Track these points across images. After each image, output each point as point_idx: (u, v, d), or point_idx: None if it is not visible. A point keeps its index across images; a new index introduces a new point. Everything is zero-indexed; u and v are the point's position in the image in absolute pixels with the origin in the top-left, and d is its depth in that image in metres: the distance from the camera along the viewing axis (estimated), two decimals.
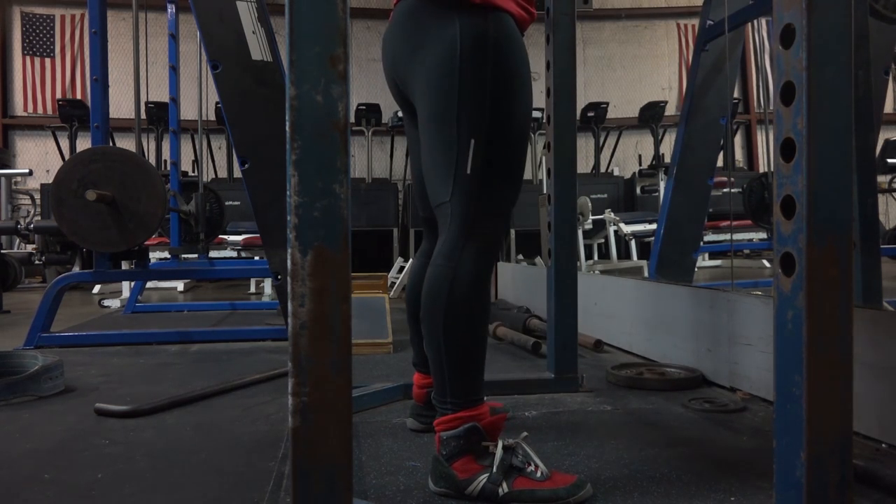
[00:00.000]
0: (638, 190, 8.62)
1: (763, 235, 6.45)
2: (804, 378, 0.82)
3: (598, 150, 9.29)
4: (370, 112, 8.60)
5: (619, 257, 6.75)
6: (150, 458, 1.58)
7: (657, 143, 9.03)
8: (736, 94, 10.40)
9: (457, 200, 1.36)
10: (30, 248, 6.43)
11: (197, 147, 7.83)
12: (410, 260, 6.11)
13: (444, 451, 1.33)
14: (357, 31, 10.38)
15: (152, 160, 8.33)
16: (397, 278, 5.85)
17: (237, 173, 8.03)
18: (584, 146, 9.47)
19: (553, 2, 2.11)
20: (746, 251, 7.93)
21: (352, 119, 8.18)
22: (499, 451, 1.33)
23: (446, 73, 1.35)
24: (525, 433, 1.39)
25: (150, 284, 6.34)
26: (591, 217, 6.11)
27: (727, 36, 3.09)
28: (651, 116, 9.20)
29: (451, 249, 1.36)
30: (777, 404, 0.86)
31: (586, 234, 6.37)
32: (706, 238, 6.25)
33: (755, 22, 9.91)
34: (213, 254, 6.19)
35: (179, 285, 6.49)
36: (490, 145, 1.36)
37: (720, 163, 5.05)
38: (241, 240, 6.31)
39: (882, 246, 3.70)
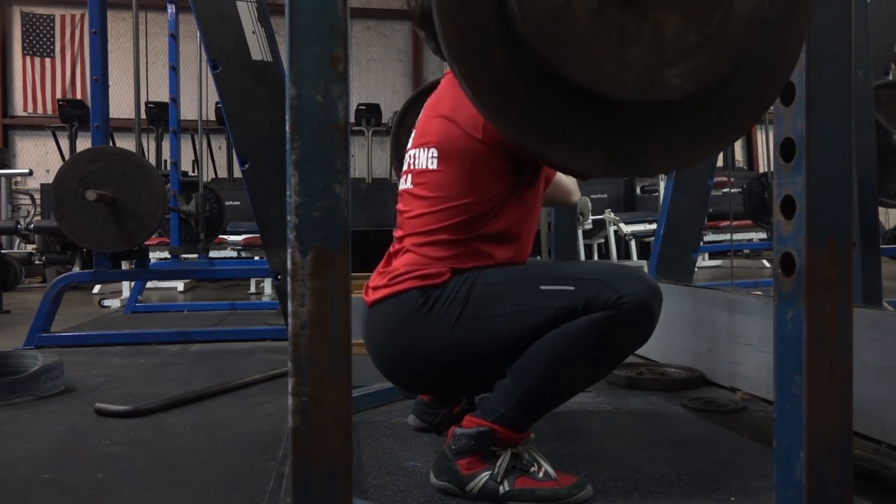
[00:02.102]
0: (638, 190, 8.62)
1: (763, 235, 6.45)
2: (804, 378, 0.82)
3: None
4: (370, 112, 8.61)
5: (619, 257, 6.75)
6: (151, 458, 1.58)
7: None
8: None
9: (598, 301, 1.27)
10: (30, 248, 6.44)
11: (197, 147, 7.83)
12: None
13: (453, 446, 1.33)
14: (357, 31, 10.39)
15: (152, 160, 8.33)
16: None
17: (237, 173, 8.03)
18: None
19: None
20: (746, 251, 7.93)
21: (352, 119, 8.18)
22: (507, 456, 1.33)
23: (476, 331, 1.33)
24: (532, 435, 1.39)
25: (150, 284, 6.34)
26: (591, 217, 6.11)
27: None
28: None
29: (602, 320, 1.28)
30: (777, 404, 0.86)
31: (586, 234, 6.37)
32: (706, 238, 6.25)
33: None
34: (213, 254, 6.19)
35: (179, 285, 6.48)
36: (548, 278, 1.33)
37: (720, 163, 5.06)
38: (241, 240, 6.31)
39: (882, 246, 3.69)
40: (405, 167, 1.52)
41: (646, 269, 3.97)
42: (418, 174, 1.45)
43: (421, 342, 1.37)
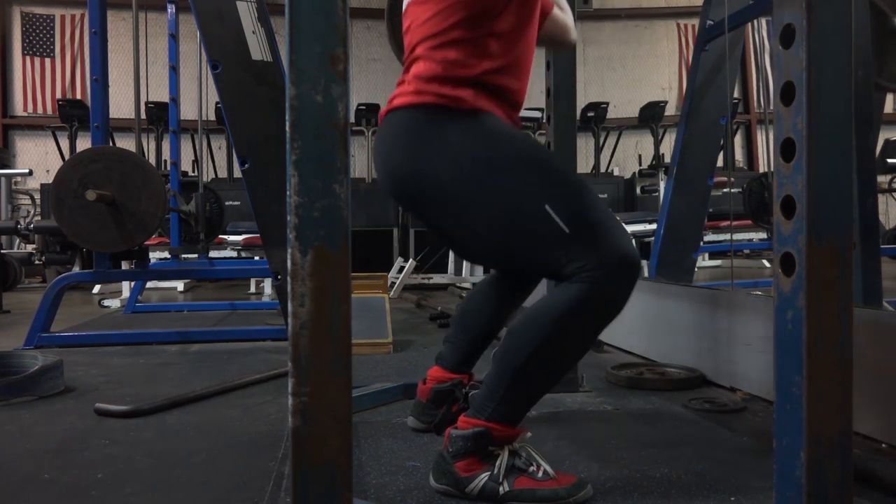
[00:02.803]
0: (638, 190, 8.62)
1: (763, 235, 6.45)
2: (804, 378, 0.82)
3: (598, 150, 9.29)
4: (370, 112, 8.60)
5: None
6: (151, 458, 1.58)
7: (657, 143, 9.03)
8: (736, 94, 10.40)
9: (578, 260, 1.27)
10: (30, 248, 6.43)
11: (197, 147, 7.83)
12: (410, 260, 6.11)
13: (450, 449, 1.33)
14: (357, 31, 10.39)
15: (152, 160, 8.33)
16: (397, 278, 5.85)
17: (237, 173, 8.03)
18: (584, 146, 9.47)
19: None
20: (746, 251, 7.93)
21: (352, 119, 8.18)
22: (504, 455, 1.32)
23: (476, 180, 1.33)
24: (529, 433, 1.39)
25: (150, 284, 6.34)
26: None
27: (727, 36, 3.09)
28: (651, 116, 9.20)
29: (579, 294, 1.27)
30: (777, 404, 0.86)
31: None
32: (706, 238, 6.24)
33: (755, 22, 9.91)
34: (213, 254, 6.19)
35: (179, 285, 6.49)
36: (561, 202, 1.31)
37: (720, 163, 5.05)
38: (241, 240, 6.31)
39: (882, 246, 3.69)
40: None
41: (646, 270, 3.97)
42: None
43: (429, 161, 1.37)
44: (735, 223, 6.57)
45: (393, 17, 1.78)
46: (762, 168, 9.61)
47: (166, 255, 5.91)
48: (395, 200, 1.52)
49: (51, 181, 3.27)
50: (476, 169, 1.34)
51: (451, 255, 6.31)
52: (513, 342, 1.32)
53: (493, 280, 1.75)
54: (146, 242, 3.27)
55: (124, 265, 3.60)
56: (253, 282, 6.36)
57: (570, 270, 1.28)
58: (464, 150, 1.35)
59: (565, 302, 1.28)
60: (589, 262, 1.26)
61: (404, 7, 1.55)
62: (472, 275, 6.05)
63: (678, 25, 10.97)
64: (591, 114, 9.00)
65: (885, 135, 7.29)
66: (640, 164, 9.53)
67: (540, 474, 1.31)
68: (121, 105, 8.53)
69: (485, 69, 1.40)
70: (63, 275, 3.44)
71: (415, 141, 1.39)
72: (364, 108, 8.54)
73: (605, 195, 8.40)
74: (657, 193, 7.55)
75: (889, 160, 6.95)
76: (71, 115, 8.33)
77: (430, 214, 1.45)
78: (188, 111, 6.81)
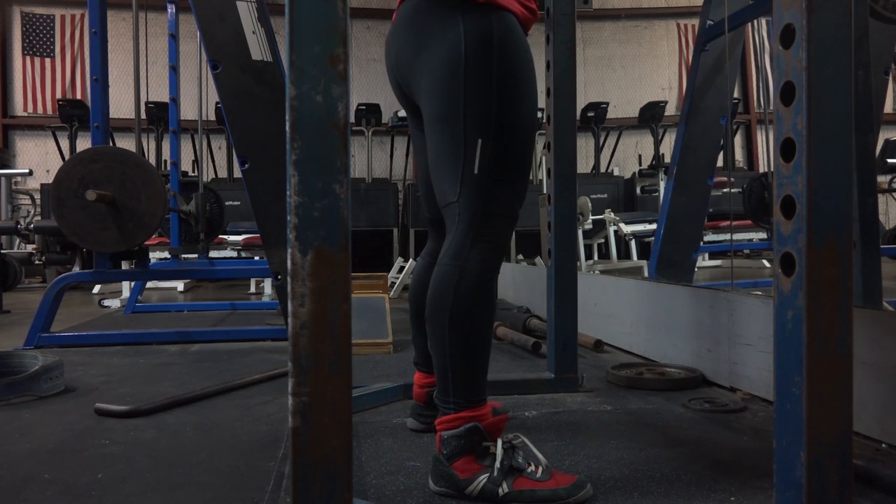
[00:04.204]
0: (638, 190, 8.62)
1: (763, 235, 6.45)
2: (804, 378, 0.82)
3: (598, 150, 9.29)
4: (370, 112, 8.60)
5: (619, 257, 6.75)
6: (151, 458, 1.58)
7: (657, 143, 9.03)
8: (736, 94, 10.41)
9: (464, 200, 1.36)
10: (30, 248, 6.43)
11: (197, 147, 7.84)
12: (410, 260, 6.11)
13: (444, 451, 1.33)
14: (357, 31, 10.39)
15: (152, 160, 8.33)
16: (397, 278, 5.85)
17: (237, 173, 8.03)
18: (584, 146, 9.48)
19: (553, 2, 2.11)
20: (746, 251, 7.93)
21: (352, 119, 8.19)
22: (499, 451, 1.32)
23: (452, 74, 1.36)
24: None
25: (150, 284, 6.34)
26: (591, 217, 6.11)
27: (727, 36, 3.09)
28: (651, 116, 9.21)
29: (457, 249, 1.37)
30: (777, 404, 0.86)
31: (586, 234, 6.37)
32: (706, 238, 6.25)
33: (755, 22, 9.92)
34: (213, 254, 6.19)
35: (179, 285, 6.49)
36: (497, 145, 1.36)
37: (720, 163, 5.06)
38: (241, 240, 6.31)
39: (882, 246, 3.69)
40: None
41: (646, 270, 3.97)
42: None
43: (430, 46, 1.39)
44: (735, 223, 6.57)
45: None
46: (762, 168, 9.61)
47: (166, 255, 5.91)
48: (395, 87, 1.56)
49: (51, 181, 3.27)
50: (461, 65, 1.35)
51: None
52: (432, 326, 1.37)
53: (425, 264, 1.73)
54: (146, 242, 3.27)
55: (124, 265, 3.60)
56: (253, 282, 6.37)
57: (450, 209, 1.37)
58: (461, 42, 1.36)
59: (450, 264, 1.36)
60: (469, 209, 1.36)
61: None
62: None
63: (678, 25, 10.97)
64: (591, 114, 9.00)
65: (885, 135, 7.29)
66: (640, 164, 9.54)
67: (539, 474, 1.31)
68: (121, 105, 8.54)
69: None
70: (63, 275, 3.44)
71: (423, 25, 1.41)
72: (364, 108, 8.54)
73: (605, 195, 8.40)
74: (657, 193, 7.56)
75: (889, 160, 6.96)
76: (71, 115, 8.33)
77: (413, 96, 1.49)
78: (188, 111, 6.81)
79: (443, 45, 1.37)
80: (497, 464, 1.31)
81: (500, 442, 1.34)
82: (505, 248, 1.41)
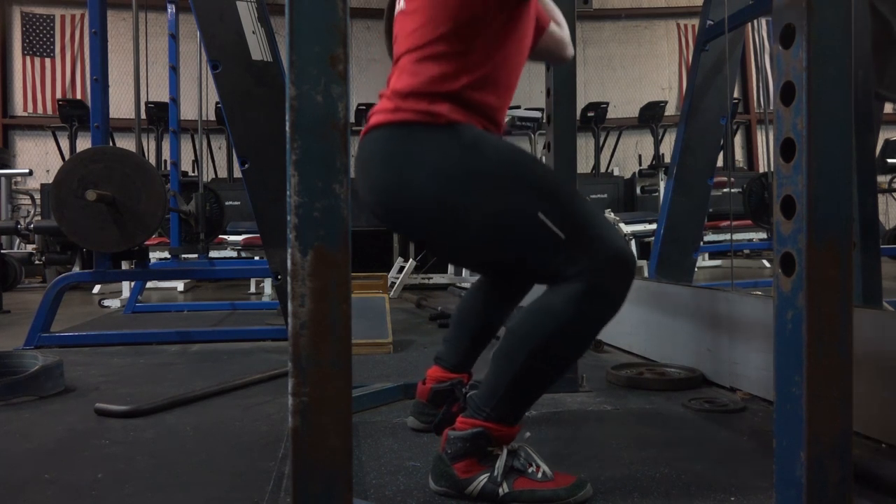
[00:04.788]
0: (638, 190, 8.62)
1: (763, 235, 6.45)
2: (804, 378, 0.82)
3: (598, 150, 9.29)
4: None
5: None
6: (151, 458, 1.58)
7: (657, 143, 9.03)
8: (736, 94, 10.40)
9: (578, 264, 1.27)
10: (30, 248, 6.44)
11: (197, 147, 7.83)
12: (410, 260, 6.11)
13: (448, 450, 1.33)
14: (357, 31, 10.39)
15: (152, 160, 8.33)
16: (397, 278, 5.85)
17: (237, 173, 8.03)
18: (584, 146, 9.48)
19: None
20: (746, 251, 7.93)
21: (352, 119, 8.19)
22: (503, 456, 1.32)
23: (464, 194, 1.32)
24: (528, 434, 1.39)
25: (150, 284, 6.34)
26: None
27: (727, 36, 3.09)
28: (651, 116, 9.21)
29: (579, 293, 1.27)
30: (777, 404, 0.86)
31: None
32: (706, 238, 6.25)
33: (755, 22, 9.91)
34: (213, 254, 6.19)
35: (179, 285, 6.49)
36: (554, 207, 1.31)
37: (720, 163, 5.05)
38: (241, 240, 6.32)
39: (882, 246, 3.69)
40: None
41: (646, 270, 3.97)
42: None
43: (411, 180, 1.35)
44: (735, 223, 6.57)
45: (390, 17, 1.78)
46: (762, 168, 9.61)
47: (166, 255, 5.91)
48: (378, 218, 1.48)
49: (51, 181, 3.27)
50: (460, 183, 1.32)
51: None
52: (512, 342, 1.32)
53: (485, 289, 1.75)
54: (146, 242, 3.27)
55: (124, 265, 3.60)
56: (253, 282, 6.37)
57: (569, 273, 1.28)
58: (445, 165, 1.33)
59: (564, 301, 1.28)
60: (587, 264, 1.27)
61: (395, 15, 1.54)
62: (472, 275, 6.04)
63: (678, 25, 10.97)
64: (591, 114, 9.00)
65: (885, 135, 7.29)
66: (640, 164, 9.54)
67: (539, 475, 1.31)
68: (121, 105, 8.54)
69: (464, 84, 1.38)
70: (63, 275, 3.44)
71: (395, 157, 1.37)
72: (364, 108, 8.54)
73: (605, 195, 8.40)
74: (657, 193, 7.55)
75: (889, 160, 6.96)
76: (71, 115, 8.33)
77: (416, 229, 1.45)
78: (188, 111, 6.81)
79: (432, 176, 1.33)
80: (499, 465, 1.31)
81: (505, 448, 1.33)
82: (620, 303, 1.32)
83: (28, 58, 9.98)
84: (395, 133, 1.38)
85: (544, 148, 2.24)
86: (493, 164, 1.34)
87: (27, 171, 7.43)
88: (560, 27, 1.69)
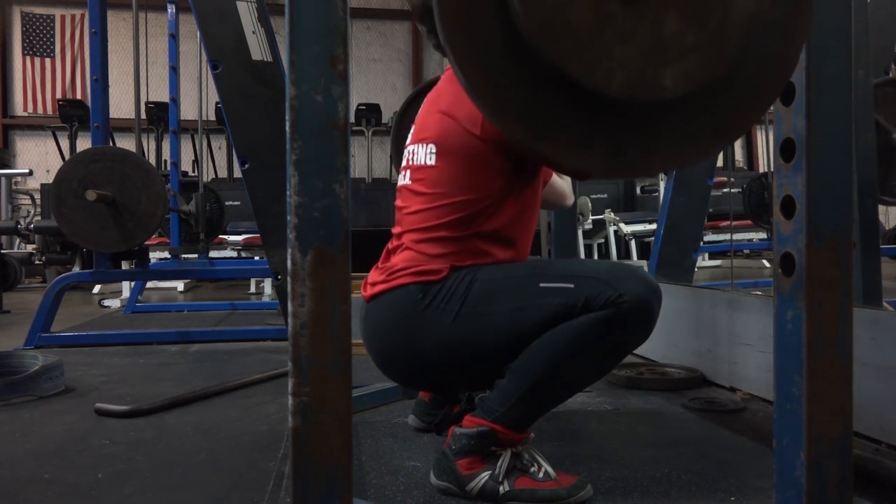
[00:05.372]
0: (638, 190, 8.61)
1: (763, 235, 6.44)
2: (804, 378, 0.82)
3: None
4: (370, 112, 8.61)
5: (619, 257, 6.74)
6: (151, 458, 1.58)
7: None
8: None
9: (597, 300, 1.27)
10: (30, 248, 6.43)
11: (197, 147, 7.83)
12: None
13: (453, 446, 1.33)
14: (357, 31, 10.39)
15: (152, 160, 8.33)
16: None
17: (237, 173, 8.03)
18: None
19: None
20: (746, 251, 7.93)
21: (352, 119, 8.19)
22: (507, 456, 1.32)
23: (472, 329, 1.33)
24: (532, 434, 1.39)
25: (150, 284, 6.34)
26: (591, 217, 6.11)
27: None
28: None
29: (602, 319, 1.27)
30: (777, 404, 0.86)
31: (586, 234, 6.37)
32: (706, 238, 6.24)
33: None
34: (213, 254, 6.19)
35: (179, 285, 6.48)
36: (551, 276, 1.32)
37: (720, 163, 5.06)
38: (241, 240, 6.31)
39: (882, 246, 3.69)
40: (404, 163, 1.52)
41: (646, 269, 3.97)
42: (417, 170, 1.45)
43: (419, 338, 1.37)
44: (735, 223, 6.57)
45: (400, 130, 1.78)
46: (762, 168, 9.61)
47: (166, 255, 5.91)
48: (393, 378, 1.54)
49: (51, 181, 3.27)
50: (467, 319, 1.33)
51: None
52: (533, 355, 1.31)
53: None
54: (146, 242, 3.27)
55: (124, 265, 3.60)
56: (253, 282, 6.36)
57: (597, 307, 1.27)
58: (448, 315, 1.33)
59: (588, 323, 1.27)
60: (612, 293, 1.27)
61: (398, 185, 1.53)
62: None
63: None
64: None
65: None
66: None
67: (541, 475, 1.31)
68: (121, 105, 8.53)
69: (470, 265, 1.38)
70: (63, 275, 3.44)
71: (399, 322, 1.39)
72: (364, 108, 8.55)
73: (605, 195, 8.39)
74: (657, 193, 7.55)
75: None
76: (71, 115, 8.33)
77: (438, 378, 1.47)
78: (188, 111, 6.81)
79: (434, 332, 1.35)
80: (501, 463, 1.31)
81: (509, 450, 1.33)
82: (647, 331, 1.34)
83: (28, 58, 9.98)
84: (396, 297, 1.39)
85: None
86: (487, 286, 1.34)
87: (27, 171, 7.43)
88: (562, 178, 1.69)
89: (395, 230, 1.51)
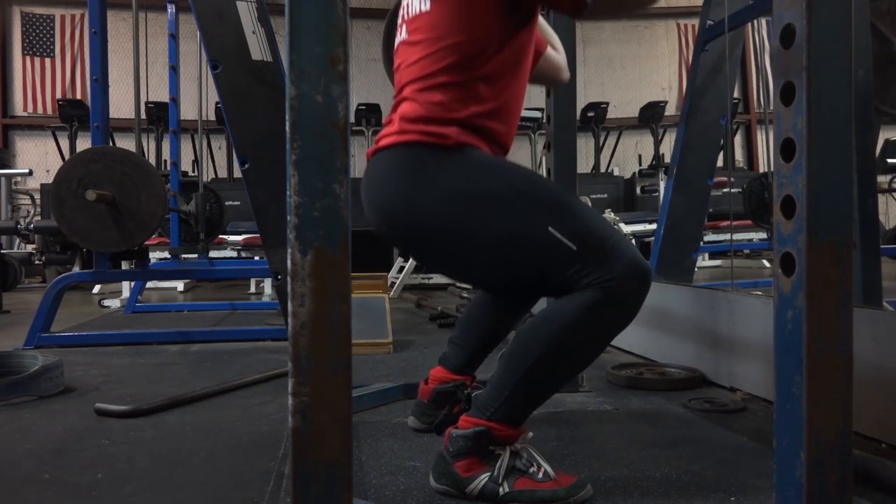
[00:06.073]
0: (638, 190, 8.62)
1: (763, 235, 6.45)
2: (804, 378, 0.82)
3: (598, 150, 9.29)
4: (370, 112, 8.60)
5: None
6: (150, 458, 1.58)
7: (657, 143, 9.03)
8: (736, 94, 10.40)
9: (591, 275, 1.27)
10: (30, 248, 6.43)
11: (197, 147, 7.83)
12: (410, 260, 6.11)
13: (450, 448, 1.33)
14: (357, 31, 10.38)
15: (152, 160, 8.33)
16: (397, 278, 5.85)
17: (237, 173, 8.03)
18: (584, 146, 9.47)
19: None
20: (746, 251, 7.93)
21: (352, 119, 8.19)
22: (506, 456, 1.32)
23: (470, 217, 1.32)
24: (530, 434, 1.39)
25: (150, 284, 6.34)
26: None
27: (727, 36, 3.09)
28: (651, 116, 9.21)
29: (593, 301, 1.27)
30: (777, 404, 0.86)
31: None
32: (706, 238, 6.24)
33: (755, 22, 9.92)
34: (213, 254, 6.19)
35: (179, 285, 6.48)
36: (564, 221, 1.31)
37: (720, 163, 5.05)
38: (241, 240, 6.31)
39: (882, 246, 3.69)
40: (399, 21, 1.52)
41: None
42: (412, 21, 1.46)
43: (419, 200, 1.35)
44: (735, 223, 6.57)
45: (389, 45, 1.79)
46: (762, 168, 9.61)
47: (166, 255, 5.91)
48: (387, 238, 1.49)
49: (51, 181, 3.27)
50: (469, 204, 1.33)
51: None
52: (521, 345, 1.32)
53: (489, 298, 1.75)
54: (146, 242, 3.27)
55: (124, 265, 3.60)
56: (253, 282, 6.36)
57: (583, 284, 1.28)
58: (454, 185, 1.34)
59: (577, 307, 1.28)
60: (603, 274, 1.27)
61: (395, 45, 1.54)
62: None
63: (678, 25, 10.97)
64: (591, 114, 9.00)
65: (885, 135, 7.29)
66: (640, 164, 9.54)
67: (540, 475, 1.31)
68: (121, 105, 8.53)
69: (471, 113, 1.38)
70: (63, 275, 3.44)
71: (403, 179, 1.38)
72: (364, 108, 8.54)
73: (605, 195, 8.40)
74: (657, 193, 7.55)
75: (889, 160, 6.96)
76: (71, 115, 8.33)
77: (425, 251, 1.46)
78: (188, 111, 6.81)
79: (438, 198, 1.34)
80: (500, 464, 1.31)
81: (508, 448, 1.33)
82: (633, 313, 1.33)
83: (28, 58, 9.98)
84: (404, 154, 1.39)
85: (544, 148, 2.24)
86: (501, 185, 1.34)
87: (27, 171, 7.43)
88: (557, 51, 1.69)
89: (396, 84, 1.50)
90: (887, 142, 7.26)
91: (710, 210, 3.82)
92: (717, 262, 7.55)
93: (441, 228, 1.35)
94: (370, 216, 1.46)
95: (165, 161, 6.96)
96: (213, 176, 8.96)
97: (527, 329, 1.34)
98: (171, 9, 4.85)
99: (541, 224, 1.30)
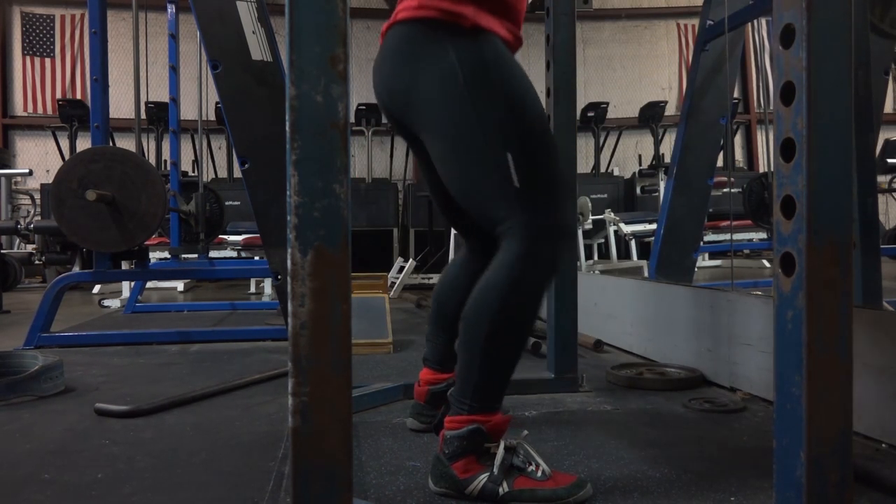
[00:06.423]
0: (638, 190, 8.62)
1: (763, 235, 6.44)
2: (804, 378, 0.82)
3: (598, 150, 9.29)
4: (370, 112, 8.60)
5: (619, 257, 6.75)
6: (151, 458, 1.58)
7: (657, 143, 9.02)
8: (736, 94, 10.40)
9: (514, 217, 1.33)
10: (30, 248, 6.44)
11: (197, 147, 7.83)
12: (410, 260, 6.11)
13: (446, 451, 1.33)
14: (357, 31, 10.38)
15: (152, 160, 8.33)
16: (397, 278, 5.85)
17: (237, 173, 8.03)
18: (584, 146, 9.47)
19: (553, 2, 2.11)
20: (746, 251, 7.93)
21: (352, 119, 8.19)
22: (500, 452, 1.32)
23: (457, 103, 1.35)
24: (525, 431, 1.39)
25: (150, 284, 6.34)
26: (591, 217, 6.11)
27: (727, 36, 3.09)
28: (651, 116, 9.20)
29: (513, 261, 1.32)
30: (777, 404, 0.86)
31: (586, 234, 6.37)
32: (706, 238, 6.24)
33: (755, 22, 9.91)
34: (213, 254, 6.19)
35: (179, 285, 6.48)
36: (524, 156, 1.34)
37: (720, 163, 5.06)
38: (241, 240, 6.31)
39: (882, 246, 3.69)
40: None
41: (646, 270, 3.96)
42: None
43: (422, 74, 1.38)
44: (735, 223, 6.57)
45: None
46: (762, 168, 9.61)
47: (166, 255, 5.91)
48: (387, 115, 1.53)
49: (51, 181, 3.27)
50: (463, 90, 1.35)
51: (452, 255, 6.31)
52: (468, 329, 1.35)
53: (459, 267, 1.74)
54: (146, 242, 3.27)
55: (124, 265, 3.60)
56: (253, 282, 6.36)
57: (503, 227, 1.33)
58: (457, 69, 1.35)
59: (500, 274, 1.32)
60: (524, 219, 1.31)
61: None
62: None
63: (678, 25, 10.97)
64: (591, 114, 9.00)
65: (885, 135, 7.29)
66: (640, 164, 9.53)
67: (539, 474, 1.31)
68: (121, 105, 8.53)
69: None
70: (63, 275, 3.44)
71: (413, 53, 1.40)
72: (364, 108, 8.54)
73: (605, 195, 8.40)
74: (657, 193, 7.55)
75: (889, 160, 6.96)
76: (71, 115, 8.32)
77: (414, 127, 1.47)
78: (188, 111, 6.81)
79: (438, 76, 1.36)
80: (497, 463, 1.31)
81: (502, 443, 1.34)
82: (558, 266, 1.38)
83: (28, 58, 9.97)
84: (418, 29, 1.41)
85: None
86: (497, 87, 1.36)
87: (27, 171, 7.42)
88: None
89: None
90: (887, 142, 7.26)
91: (710, 210, 3.82)
92: (717, 262, 7.55)
93: (433, 101, 1.38)
94: (377, 90, 1.50)
95: (165, 161, 6.96)
96: (213, 176, 8.95)
97: (467, 313, 1.36)
98: (171, 9, 4.85)
99: (505, 143, 1.34)
